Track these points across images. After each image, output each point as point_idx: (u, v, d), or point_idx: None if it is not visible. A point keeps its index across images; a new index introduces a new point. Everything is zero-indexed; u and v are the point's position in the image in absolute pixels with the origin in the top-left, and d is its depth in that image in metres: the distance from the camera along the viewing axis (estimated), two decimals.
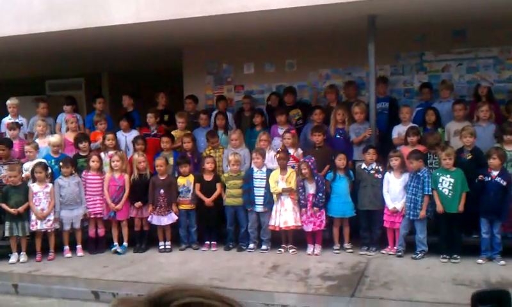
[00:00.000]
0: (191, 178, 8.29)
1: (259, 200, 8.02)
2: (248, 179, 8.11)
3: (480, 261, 6.98)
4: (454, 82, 9.13)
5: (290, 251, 7.80)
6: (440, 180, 7.24)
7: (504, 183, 6.98)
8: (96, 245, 8.34)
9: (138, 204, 8.24)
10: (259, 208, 8.02)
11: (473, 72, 9.22)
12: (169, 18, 7.75)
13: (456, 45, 9.24)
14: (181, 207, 8.26)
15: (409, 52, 9.52)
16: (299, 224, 7.77)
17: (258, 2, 7.41)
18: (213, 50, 10.34)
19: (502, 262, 6.88)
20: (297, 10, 7.41)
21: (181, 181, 8.29)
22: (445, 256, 7.13)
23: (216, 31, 8.72)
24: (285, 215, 7.79)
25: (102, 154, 8.61)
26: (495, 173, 7.03)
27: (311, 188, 7.73)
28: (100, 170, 8.36)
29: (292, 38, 9.45)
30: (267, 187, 7.95)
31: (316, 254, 7.64)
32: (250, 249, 8.04)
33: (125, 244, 8.31)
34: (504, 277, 6.38)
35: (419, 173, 7.35)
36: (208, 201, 8.15)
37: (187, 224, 8.29)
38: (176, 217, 8.21)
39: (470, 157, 7.43)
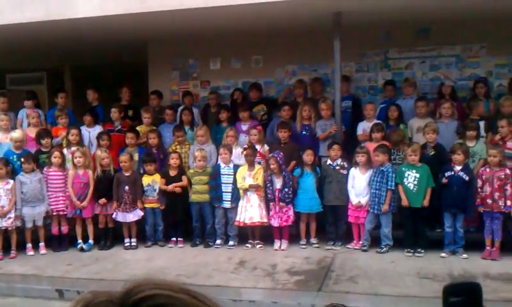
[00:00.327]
0: (157, 177, 8.19)
1: (226, 196, 7.99)
2: (215, 175, 8.07)
3: (443, 254, 7.12)
4: (417, 79, 9.29)
5: (258, 246, 7.81)
6: (406, 175, 7.36)
7: (467, 178, 7.14)
8: (60, 242, 8.16)
9: (103, 201, 8.10)
10: (226, 204, 7.99)
11: (436, 70, 9.41)
12: (134, 11, 7.63)
13: (419, 43, 9.41)
14: (147, 205, 8.16)
15: (374, 49, 9.64)
16: (265, 220, 7.78)
17: None
18: (179, 45, 10.24)
19: (465, 256, 7.04)
20: (263, 6, 7.40)
21: (146, 180, 8.19)
22: (409, 250, 7.25)
23: (182, 25, 8.64)
24: (250, 211, 7.79)
25: (65, 150, 8.42)
26: (458, 168, 7.18)
27: (278, 183, 7.75)
28: (62, 166, 8.17)
29: (259, 33, 9.44)
30: (235, 183, 7.93)
31: (283, 250, 7.67)
32: (217, 245, 8.01)
33: (90, 241, 8.16)
34: (467, 270, 6.53)
35: (383, 168, 7.45)
36: (171, 187, 8.05)
37: (154, 222, 8.20)
38: (142, 214, 8.11)
39: (432, 152, 7.58)
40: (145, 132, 8.85)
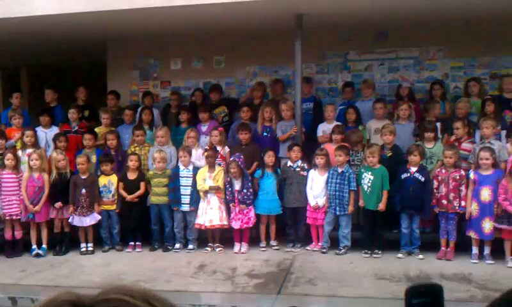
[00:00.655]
0: (114, 177, 8.05)
1: (185, 199, 7.91)
2: (174, 177, 7.98)
3: (400, 255, 7.22)
4: (376, 81, 9.41)
5: (217, 249, 7.76)
6: (363, 177, 7.44)
7: (423, 179, 7.25)
8: (13, 248, 7.93)
9: (58, 204, 7.91)
10: (185, 208, 7.92)
11: (394, 72, 9.54)
12: (94, 9, 7.50)
13: (378, 46, 9.52)
14: (102, 207, 8.00)
15: (334, 51, 9.71)
16: (225, 223, 7.75)
17: None
18: (139, 45, 10.10)
19: (421, 256, 7.16)
20: (224, 6, 7.37)
21: (102, 180, 8.04)
22: (367, 251, 7.33)
23: (142, 24, 8.53)
24: (210, 214, 7.74)
25: (20, 152, 8.20)
26: (413, 169, 7.29)
27: (237, 185, 7.73)
28: (16, 169, 7.94)
29: (221, 34, 9.40)
30: (194, 185, 7.87)
31: (243, 253, 7.64)
32: (176, 249, 7.92)
33: (44, 246, 7.94)
34: (423, 271, 6.64)
35: (343, 170, 7.51)
36: (130, 197, 7.95)
37: (109, 225, 8.06)
38: (99, 217, 7.95)
39: (390, 154, 7.67)
40: (103, 133, 8.69)
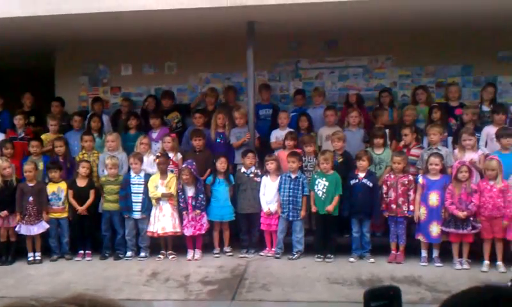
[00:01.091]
0: (63, 185, 7.84)
1: (137, 206, 7.79)
2: (125, 184, 7.85)
3: (352, 259, 7.34)
4: (326, 89, 9.57)
5: (170, 257, 7.67)
6: (317, 183, 7.53)
7: (371, 185, 7.41)
8: None
9: (4, 213, 7.63)
10: (137, 215, 7.79)
11: (344, 80, 9.74)
12: (42, 14, 7.31)
13: (328, 54, 9.69)
14: (51, 215, 7.78)
15: (286, 59, 9.83)
16: (178, 230, 7.67)
17: (135, 2, 7.23)
18: (89, 50, 9.88)
19: (372, 260, 7.30)
20: (175, 12, 7.34)
21: (51, 188, 7.81)
22: (319, 255, 7.41)
23: (91, 29, 8.37)
24: (163, 221, 7.65)
25: None
26: (361, 175, 7.44)
27: (190, 191, 7.67)
28: None
29: (172, 40, 9.34)
30: (146, 192, 7.75)
31: (196, 259, 7.58)
32: (128, 257, 7.78)
33: None
34: (374, 274, 6.77)
35: (297, 175, 7.59)
36: (81, 209, 7.77)
37: (59, 234, 7.83)
38: (47, 226, 7.71)
39: (340, 160, 7.80)
40: (51, 140, 8.46)
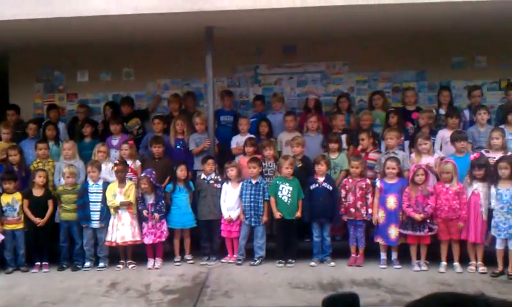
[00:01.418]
0: (18, 195, 7.61)
1: (95, 215, 7.63)
2: (83, 193, 7.68)
3: (313, 263, 7.40)
4: (285, 94, 9.65)
5: (130, 266, 7.55)
6: (280, 188, 7.55)
7: (331, 188, 7.49)
8: None
9: None
10: (95, 224, 7.64)
11: (303, 86, 9.82)
12: None
13: (287, 60, 9.76)
14: (6, 227, 7.53)
15: (245, 65, 9.85)
16: (138, 238, 7.56)
17: (92, 6, 7.10)
18: (44, 56, 9.64)
19: (332, 264, 7.37)
20: (132, 18, 7.26)
21: (5, 199, 7.57)
22: (281, 260, 7.43)
23: (46, 35, 8.18)
24: (122, 230, 7.52)
25: None
26: (321, 179, 7.51)
27: (150, 199, 7.58)
28: None
29: (129, 46, 9.22)
30: (104, 201, 7.61)
31: (157, 268, 7.48)
32: (86, 267, 7.61)
33: None
34: (335, 278, 6.83)
35: (258, 181, 7.60)
36: (42, 222, 7.56)
37: (14, 245, 7.59)
38: (3, 237, 7.47)
39: (300, 165, 7.86)
40: (4, 149, 8.20)
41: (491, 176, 6.97)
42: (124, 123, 8.98)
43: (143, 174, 7.63)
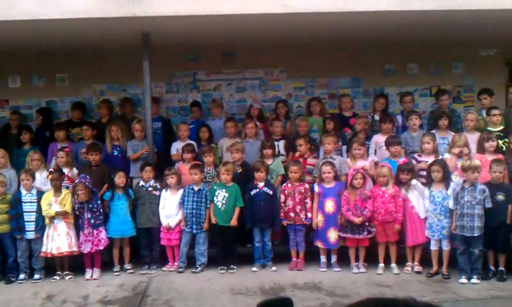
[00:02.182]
0: None
1: (30, 226, 7.34)
2: (15, 203, 7.38)
3: (254, 269, 7.43)
4: (225, 100, 9.66)
5: (67, 277, 7.30)
6: (216, 194, 7.55)
7: (271, 192, 7.56)
8: None
9: None
10: (30, 235, 7.35)
11: (242, 92, 9.88)
12: None
13: (225, 66, 9.79)
14: None
15: (184, 70, 9.80)
16: (75, 249, 7.33)
17: (23, 10, 6.84)
18: None
19: (274, 268, 7.43)
20: (66, 22, 7.04)
21: None
22: (222, 267, 7.42)
23: None
24: (58, 241, 7.27)
25: None
26: (261, 184, 7.57)
27: (86, 206, 7.37)
28: None
29: (63, 51, 8.96)
30: (39, 211, 7.34)
31: (95, 279, 7.28)
32: (21, 279, 7.29)
33: None
34: (276, 282, 6.89)
35: (200, 187, 7.56)
36: None
37: None
38: None
39: (240, 170, 7.89)
40: None
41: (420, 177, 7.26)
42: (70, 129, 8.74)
43: (77, 180, 7.42)
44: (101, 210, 7.42)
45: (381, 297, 1.07)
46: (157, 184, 7.76)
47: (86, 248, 7.33)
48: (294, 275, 7.19)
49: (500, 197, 6.85)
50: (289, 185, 7.61)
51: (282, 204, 7.57)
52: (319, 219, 7.45)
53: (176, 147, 8.41)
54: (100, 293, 6.70)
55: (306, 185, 7.61)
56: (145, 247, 7.67)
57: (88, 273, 7.36)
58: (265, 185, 7.58)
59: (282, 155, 8.36)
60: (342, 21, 7.63)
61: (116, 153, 8.33)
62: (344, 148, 8.34)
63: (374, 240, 7.34)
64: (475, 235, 6.73)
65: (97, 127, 8.72)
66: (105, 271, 7.49)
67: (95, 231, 7.35)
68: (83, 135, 8.44)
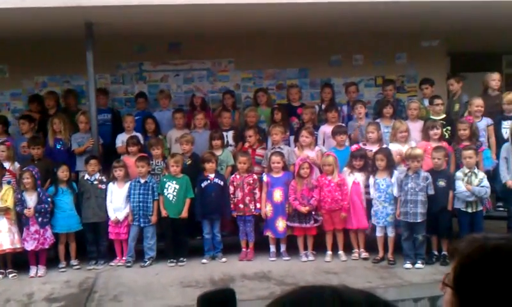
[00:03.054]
0: None
1: None
2: None
3: (204, 261, 7.41)
4: (172, 92, 9.55)
5: (10, 275, 7.06)
6: (166, 186, 7.47)
7: (222, 183, 7.55)
8: None
9: None
10: None
11: (189, 83, 9.79)
12: None
13: (172, 57, 9.67)
14: None
15: (129, 61, 9.62)
16: (18, 246, 7.09)
17: None
18: None
19: (224, 259, 7.43)
20: (5, 11, 6.80)
21: None
22: (172, 260, 7.37)
23: None
24: None
25: None
26: (212, 176, 7.55)
27: (30, 201, 7.15)
28: None
29: (2, 41, 8.60)
30: None
31: (40, 276, 7.07)
32: None
33: None
34: (226, 273, 6.90)
35: (146, 180, 7.46)
36: None
37: None
38: None
39: (189, 162, 7.84)
40: None
41: (369, 166, 7.41)
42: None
43: (24, 169, 7.18)
44: (47, 208, 7.21)
45: (312, 285, 1.09)
46: (103, 177, 7.61)
47: (31, 246, 7.11)
48: (244, 266, 7.22)
49: (442, 183, 7.09)
50: (238, 176, 7.61)
51: (231, 196, 7.57)
52: (267, 209, 7.50)
53: (121, 139, 8.26)
54: (46, 291, 6.53)
55: (255, 176, 7.64)
56: (92, 242, 7.51)
57: (33, 270, 7.14)
58: (216, 177, 7.56)
59: (231, 145, 8.35)
60: (289, 12, 7.66)
61: (58, 146, 8.10)
62: (292, 138, 8.40)
63: (322, 228, 7.45)
64: (419, 221, 6.94)
65: (42, 119, 8.43)
66: (51, 268, 7.29)
67: (42, 230, 7.14)
68: (20, 129, 8.14)
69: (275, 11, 7.55)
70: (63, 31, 7.96)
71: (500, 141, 7.95)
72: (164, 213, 7.46)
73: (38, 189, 7.20)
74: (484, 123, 8.02)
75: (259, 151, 8.09)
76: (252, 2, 7.01)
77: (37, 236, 7.12)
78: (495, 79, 8.59)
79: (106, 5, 6.85)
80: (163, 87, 9.53)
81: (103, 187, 7.56)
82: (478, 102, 8.06)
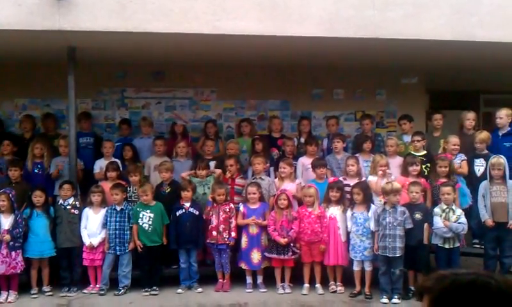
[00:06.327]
0: None
1: None
2: None
3: (180, 290, 7.29)
4: (154, 119, 9.53)
5: None
6: (141, 215, 7.39)
7: (197, 213, 7.48)
8: None
9: None
10: None
11: (171, 111, 9.80)
12: None
13: (155, 85, 9.69)
14: None
15: (111, 87, 9.61)
16: None
17: None
18: None
19: (200, 289, 7.32)
20: None
21: None
22: (146, 289, 7.24)
23: None
24: None
25: None
26: (187, 205, 7.49)
27: (6, 224, 7.01)
28: None
29: None
30: None
31: (10, 302, 6.90)
32: None
33: None
34: (201, 304, 6.82)
35: (123, 207, 7.38)
36: None
37: None
38: None
39: (168, 190, 7.78)
40: None
41: (346, 199, 7.44)
42: None
43: (1, 191, 7.06)
44: (21, 231, 7.07)
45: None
46: (77, 202, 7.50)
47: (1, 270, 6.94)
48: (219, 297, 7.14)
49: (418, 216, 7.14)
50: (214, 204, 7.54)
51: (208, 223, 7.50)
52: (243, 241, 7.44)
53: (99, 165, 8.19)
54: None
55: (232, 205, 7.58)
56: (65, 268, 7.36)
57: (3, 295, 6.97)
58: (191, 206, 7.49)
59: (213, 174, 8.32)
60: (272, 45, 7.73)
61: (36, 170, 8.01)
62: (272, 168, 8.42)
63: (300, 260, 7.41)
64: (397, 255, 6.96)
65: (19, 143, 8.35)
66: (22, 293, 7.13)
67: (13, 253, 6.99)
68: (3, 151, 8.05)
69: (258, 43, 7.61)
70: (45, 54, 7.94)
71: (472, 178, 8.06)
72: (138, 243, 7.34)
73: (16, 212, 7.08)
74: (458, 159, 8.14)
75: (238, 181, 8.06)
76: (234, 34, 7.05)
77: (8, 260, 6.96)
78: (469, 119, 8.73)
79: (89, 30, 6.85)
80: (145, 115, 9.51)
81: (76, 212, 7.44)
82: (455, 141, 8.18)
